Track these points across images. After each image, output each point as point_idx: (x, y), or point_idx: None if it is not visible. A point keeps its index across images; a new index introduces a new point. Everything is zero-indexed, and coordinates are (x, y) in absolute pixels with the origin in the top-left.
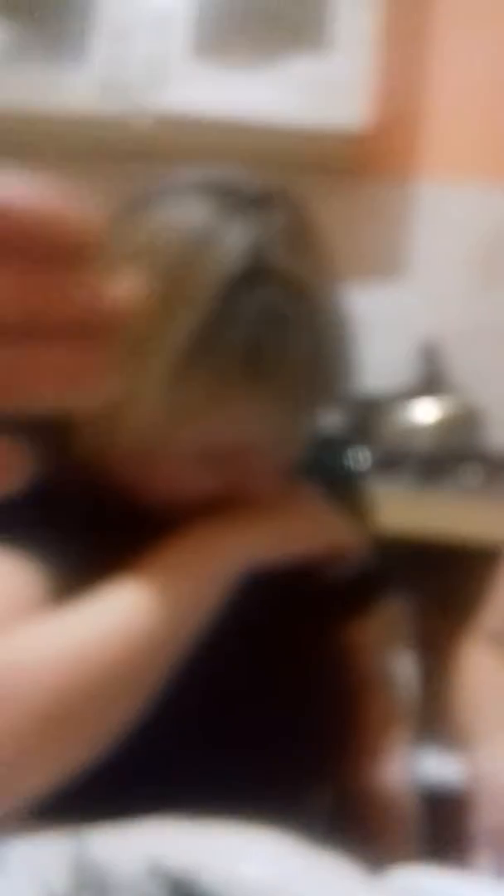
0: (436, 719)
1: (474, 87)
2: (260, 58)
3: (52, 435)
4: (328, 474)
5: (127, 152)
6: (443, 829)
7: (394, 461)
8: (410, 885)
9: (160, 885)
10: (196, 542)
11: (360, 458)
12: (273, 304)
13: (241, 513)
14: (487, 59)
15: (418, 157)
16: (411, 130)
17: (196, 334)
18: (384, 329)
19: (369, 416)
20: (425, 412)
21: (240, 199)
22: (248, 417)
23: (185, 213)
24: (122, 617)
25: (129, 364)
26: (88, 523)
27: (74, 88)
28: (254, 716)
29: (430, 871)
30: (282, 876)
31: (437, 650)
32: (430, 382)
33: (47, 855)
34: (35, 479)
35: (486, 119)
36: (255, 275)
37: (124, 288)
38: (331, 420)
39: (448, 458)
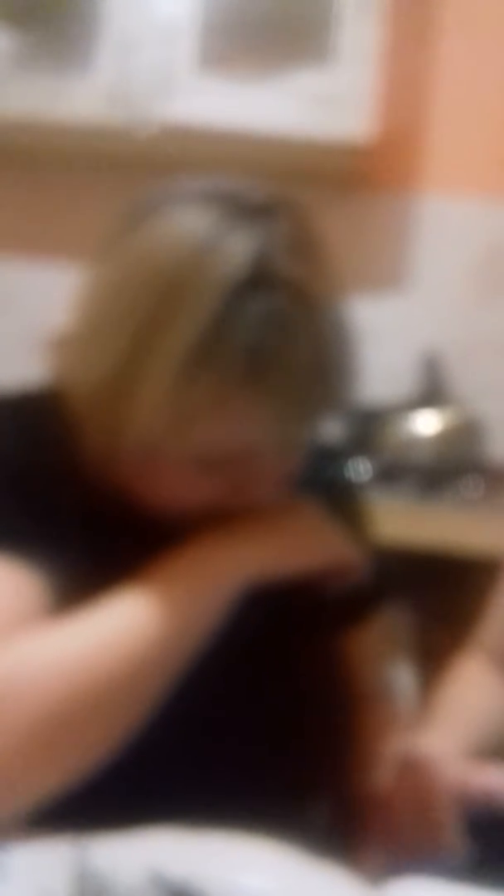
0: None
1: (477, 102)
2: (264, 70)
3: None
4: (328, 486)
5: (132, 162)
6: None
7: (395, 472)
8: None
9: (161, 894)
10: (199, 556)
11: (360, 469)
12: (276, 311)
13: (244, 526)
14: (490, 73)
15: (420, 170)
16: (414, 143)
17: (199, 340)
18: (386, 340)
19: (370, 427)
20: (426, 424)
21: (244, 208)
22: (250, 423)
23: (189, 221)
24: (124, 628)
25: (134, 368)
26: (90, 532)
27: (80, 98)
28: (252, 726)
29: (428, 884)
30: (281, 886)
31: (436, 661)
32: (431, 394)
33: (49, 862)
34: (37, 490)
35: (488, 133)
36: (258, 281)
37: None
38: (332, 431)
39: (449, 469)
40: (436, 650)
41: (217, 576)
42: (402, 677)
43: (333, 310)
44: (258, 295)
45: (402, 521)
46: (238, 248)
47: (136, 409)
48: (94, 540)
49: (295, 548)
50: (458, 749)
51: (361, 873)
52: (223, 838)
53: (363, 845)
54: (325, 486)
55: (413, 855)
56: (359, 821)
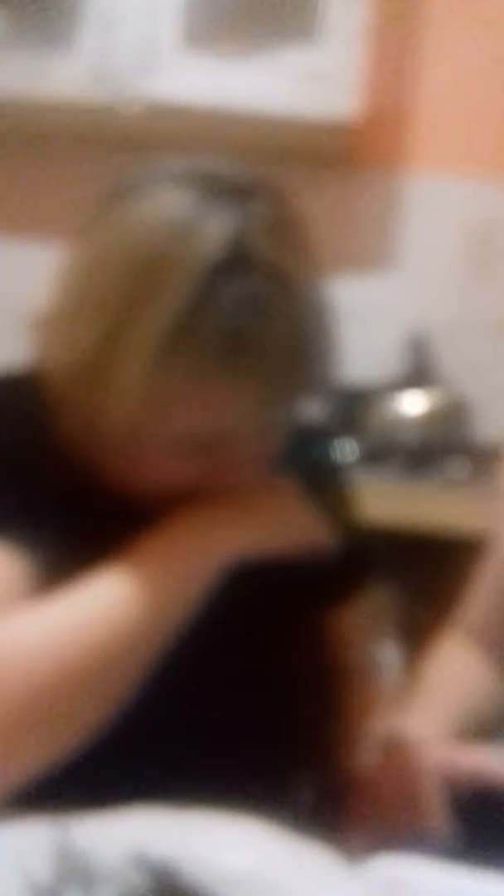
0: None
1: (464, 80)
2: (250, 47)
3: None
4: (311, 466)
5: (116, 140)
6: None
7: (381, 453)
8: (389, 875)
9: (143, 873)
10: (181, 536)
11: (347, 449)
12: (253, 294)
13: (223, 507)
14: (477, 51)
15: (407, 149)
16: (401, 122)
17: (176, 322)
18: (372, 320)
19: (357, 407)
20: (413, 404)
21: (223, 189)
22: (228, 406)
23: (168, 202)
24: (105, 607)
25: (111, 350)
26: (72, 512)
27: (64, 75)
28: (236, 704)
29: (409, 861)
30: (262, 865)
31: (422, 640)
32: (418, 374)
33: (30, 842)
34: (19, 471)
35: (475, 111)
36: (235, 264)
37: None
38: (317, 410)
39: (435, 450)
40: (421, 629)
41: (197, 555)
42: (387, 656)
43: (312, 292)
44: (235, 277)
45: (388, 502)
46: (215, 230)
47: (113, 391)
48: (76, 520)
49: (272, 529)
50: (441, 729)
51: (345, 851)
52: (205, 817)
53: (348, 824)
54: (308, 466)
55: (397, 835)
56: (344, 799)
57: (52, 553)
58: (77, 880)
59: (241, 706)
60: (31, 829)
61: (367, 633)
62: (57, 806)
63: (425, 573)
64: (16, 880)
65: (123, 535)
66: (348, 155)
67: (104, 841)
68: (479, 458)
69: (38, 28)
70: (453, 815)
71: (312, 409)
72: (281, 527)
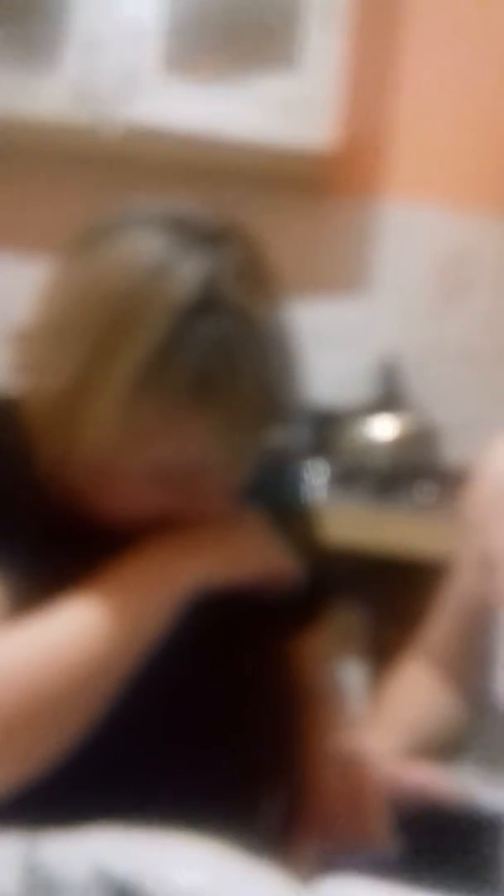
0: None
1: (439, 110)
2: (230, 73)
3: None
4: (279, 491)
5: (97, 160)
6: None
7: (351, 476)
8: None
9: (105, 889)
10: (148, 565)
11: (317, 472)
12: (223, 335)
13: (192, 538)
14: (452, 82)
15: (383, 177)
16: (376, 150)
17: (148, 361)
18: (345, 344)
19: (327, 430)
20: (383, 429)
21: (195, 233)
22: (197, 441)
23: (142, 245)
24: (77, 632)
25: (86, 385)
26: (47, 538)
27: (46, 95)
28: (200, 728)
29: (357, 883)
30: (217, 884)
31: (388, 660)
32: (388, 399)
33: None
34: None
35: (450, 141)
36: (206, 306)
37: None
38: (288, 434)
39: (404, 474)
40: (388, 650)
41: (165, 584)
42: (352, 676)
43: (277, 329)
44: (206, 319)
45: (357, 525)
46: (188, 274)
47: (87, 424)
48: (50, 546)
49: (237, 559)
50: (396, 747)
51: (300, 871)
52: (164, 837)
53: (300, 841)
54: (276, 491)
55: (345, 848)
56: (299, 814)
57: (28, 578)
58: (43, 894)
59: (205, 729)
60: (0, 844)
61: (331, 654)
62: (25, 823)
63: (393, 595)
64: None
65: (96, 561)
66: (324, 182)
67: (69, 858)
68: (446, 482)
69: (23, 47)
70: (398, 829)
71: (282, 433)
72: (246, 558)
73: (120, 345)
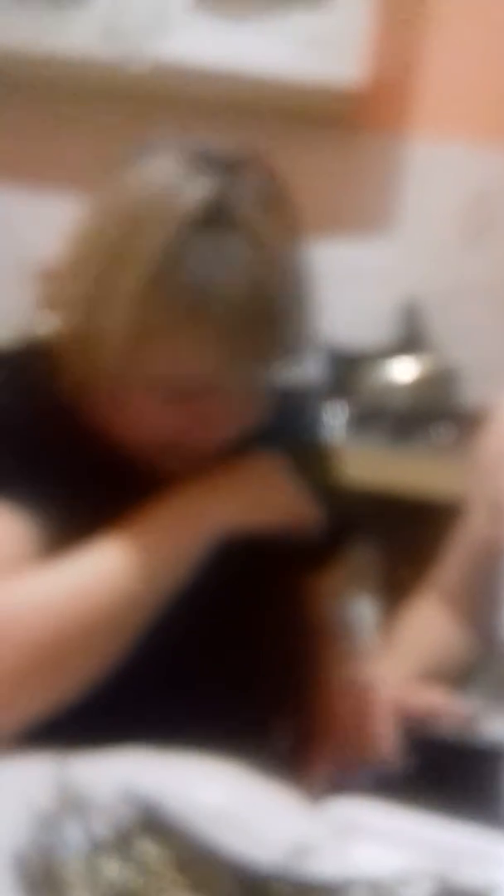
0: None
1: (468, 47)
2: (259, 10)
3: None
4: (298, 432)
5: (125, 96)
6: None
7: (370, 417)
8: (346, 816)
9: (131, 806)
10: (177, 510)
11: (336, 412)
12: (226, 252)
13: (216, 484)
14: (481, 19)
15: (410, 114)
16: (404, 88)
17: (152, 272)
18: (368, 284)
19: (347, 371)
20: (403, 370)
21: (215, 161)
22: (198, 356)
23: (161, 169)
24: (105, 572)
25: (99, 301)
26: (76, 478)
27: (76, 31)
28: (221, 660)
29: (365, 804)
30: (234, 802)
31: (402, 598)
32: (410, 341)
33: (34, 777)
34: (24, 437)
35: (478, 78)
36: (213, 222)
37: None
38: (308, 373)
39: (423, 416)
40: (401, 587)
41: (191, 528)
42: (365, 611)
43: (294, 260)
44: (211, 234)
45: (375, 465)
46: (198, 191)
47: (100, 338)
48: (80, 486)
49: (261, 506)
50: (406, 676)
51: (311, 791)
52: (186, 758)
53: (312, 762)
54: (296, 432)
55: (353, 769)
56: (311, 740)
57: (58, 518)
58: (74, 811)
59: (225, 660)
60: (35, 764)
61: (346, 590)
62: (57, 744)
63: (407, 535)
64: (20, 809)
65: (125, 505)
66: (352, 119)
67: (98, 777)
68: (464, 424)
69: None
70: (404, 752)
71: (302, 371)
72: (270, 505)
73: (128, 258)
